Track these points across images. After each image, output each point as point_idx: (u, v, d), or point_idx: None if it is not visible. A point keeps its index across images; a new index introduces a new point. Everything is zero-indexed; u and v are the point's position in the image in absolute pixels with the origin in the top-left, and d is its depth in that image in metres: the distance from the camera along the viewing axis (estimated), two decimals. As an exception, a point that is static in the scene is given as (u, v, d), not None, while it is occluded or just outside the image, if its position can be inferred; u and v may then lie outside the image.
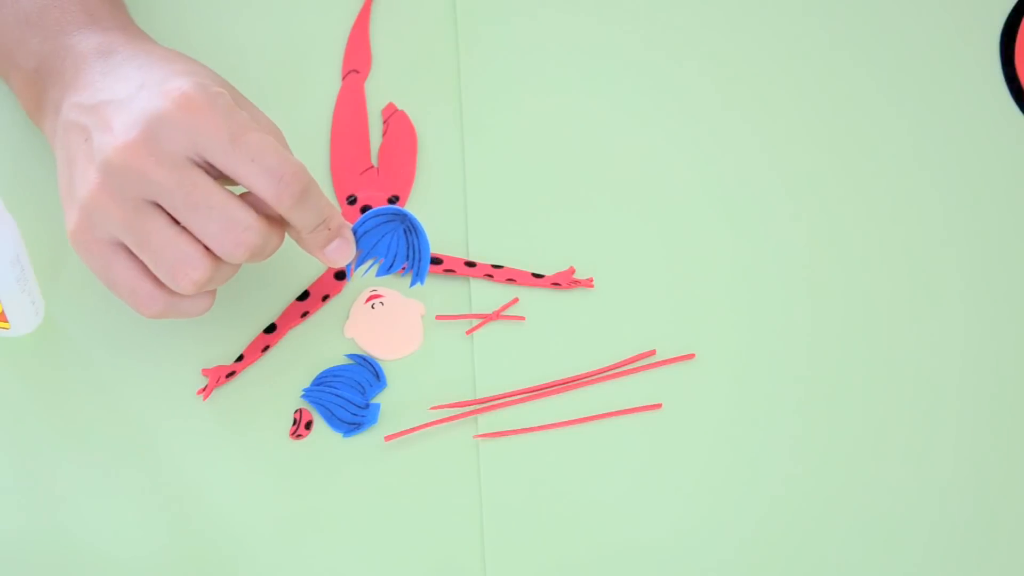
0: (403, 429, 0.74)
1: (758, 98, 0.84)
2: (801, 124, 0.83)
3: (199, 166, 0.67)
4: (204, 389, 0.74)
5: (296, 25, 0.85)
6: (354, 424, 0.74)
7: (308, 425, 0.74)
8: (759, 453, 0.74)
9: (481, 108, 0.83)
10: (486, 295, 0.77)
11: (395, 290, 0.77)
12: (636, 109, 0.83)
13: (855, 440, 0.74)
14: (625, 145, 0.82)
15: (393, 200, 0.80)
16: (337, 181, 0.80)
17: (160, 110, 0.67)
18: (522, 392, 0.75)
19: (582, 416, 0.75)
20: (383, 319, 0.77)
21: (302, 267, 0.76)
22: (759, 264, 0.79)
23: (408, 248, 0.73)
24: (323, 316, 0.77)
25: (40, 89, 0.74)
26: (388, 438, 0.73)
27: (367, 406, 0.74)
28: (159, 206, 0.67)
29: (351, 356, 0.76)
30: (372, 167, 0.81)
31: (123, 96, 0.68)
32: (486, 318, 0.77)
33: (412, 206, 0.80)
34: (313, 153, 0.81)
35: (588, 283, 0.78)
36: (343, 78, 0.84)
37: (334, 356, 0.76)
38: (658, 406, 0.75)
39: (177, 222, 0.68)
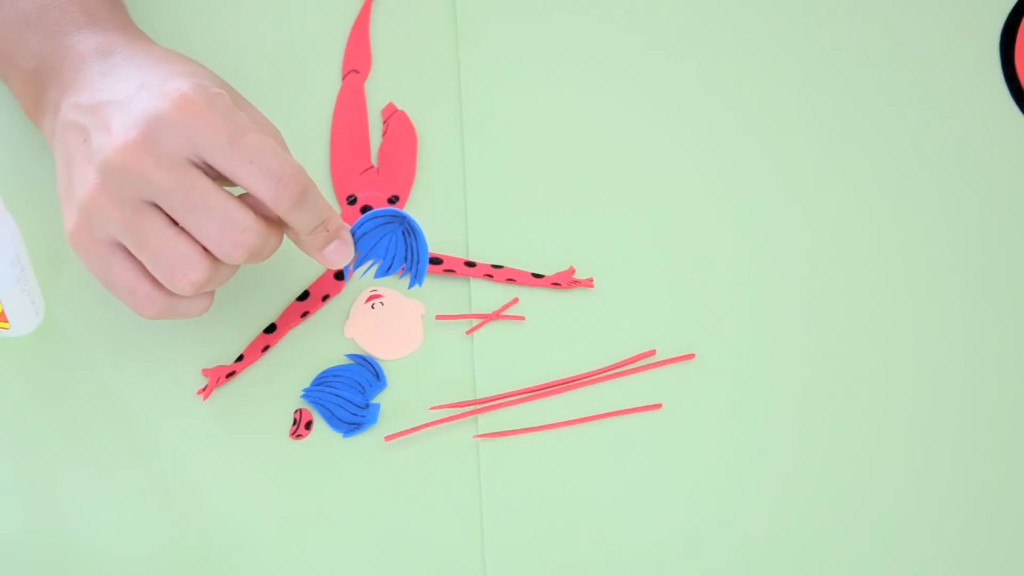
0: (403, 429, 0.74)
1: (758, 98, 0.84)
2: (801, 124, 0.83)
3: (198, 167, 0.67)
4: (204, 389, 0.74)
5: (296, 25, 0.85)
6: (354, 424, 0.74)
7: (308, 425, 0.74)
8: (759, 453, 0.74)
9: (481, 108, 0.83)
10: (486, 295, 0.77)
11: (395, 290, 0.77)
12: (636, 109, 0.83)
13: (855, 440, 0.74)
14: (625, 145, 0.82)
15: (393, 200, 0.80)
16: (337, 181, 0.80)
17: (159, 111, 0.67)
18: (522, 392, 0.75)
19: (582, 416, 0.75)
20: (383, 319, 0.77)
21: (302, 267, 0.76)
22: (759, 264, 0.79)
23: (407, 250, 0.73)
24: (323, 316, 0.77)
25: (39, 89, 0.74)
26: (388, 438, 0.73)
27: (367, 406, 0.74)
28: (158, 207, 0.67)
29: (351, 356, 0.76)
30: (372, 167, 0.81)
31: (122, 97, 0.68)
32: (486, 318, 0.77)
33: (412, 206, 0.80)
34: (313, 153, 0.81)
35: (588, 283, 0.78)
36: (343, 78, 0.84)
37: (334, 356, 0.76)
38: (658, 406, 0.75)
39: (176, 223, 0.68)
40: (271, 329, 0.76)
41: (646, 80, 0.84)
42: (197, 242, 0.68)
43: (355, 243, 0.72)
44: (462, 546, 0.71)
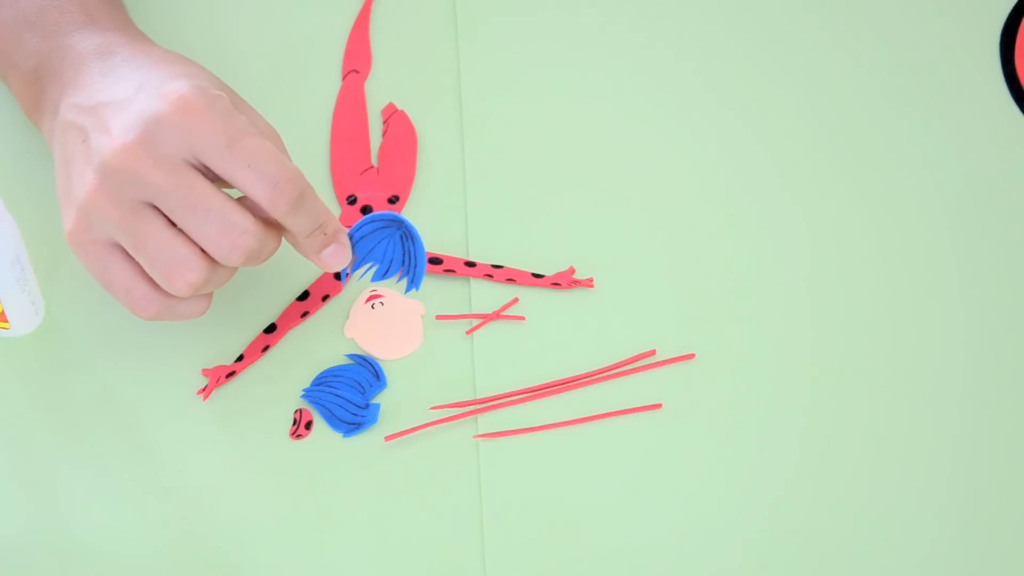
0: (403, 429, 0.74)
1: (758, 98, 0.84)
2: (801, 124, 0.83)
3: (196, 169, 0.67)
4: (204, 389, 0.74)
5: (296, 25, 0.85)
6: (354, 424, 0.74)
7: (308, 425, 0.74)
8: (759, 453, 0.74)
9: (481, 108, 0.83)
10: (486, 295, 0.77)
11: (395, 290, 0.77)
12: (636, 109, 0.83)
13: (856, 440, 0.74)
14: (625, 145, 0.82)
15: (393, 200, 0.80)
16: (337, 181, 0.80)
17: (158, 112, 0.67)
18: (522, 392, 0.75)
19: (582, 416, 0.75)
20: (383, 319, 0.77)
21: (302, 268, 0.76)
22: (759, 264, 0.79)
23: (404, 255, 0.73)
24: (323, 316, 0.77)
25: (38, 89, 0.74)
26: (388, 438, 0.73)
27: (367, 406, 0.74)
28: (156, 208, 0.67)
29: (351, 356, 0.76)
30: (372, 167, 0.81)
31: (121, 98, 0.68)
32: (486, 318, 0.77)
33: (412, 206, 0.80)
34: (313, 153, 0.81)
35: (588, 283, 0.78)
36: (343, 78, 0.84)
37: (334, 356, 0.76)
38: (658, 406, 0.75)
39: (174, 224, 0.68)
40: (271, 329, 0.76)
41: (646, 80, 0.84)
42: (195, 244, 0.68)
43: (353, 246, 0.72)
44: (462, 546, 0.71)
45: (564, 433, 0.74)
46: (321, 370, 0.75)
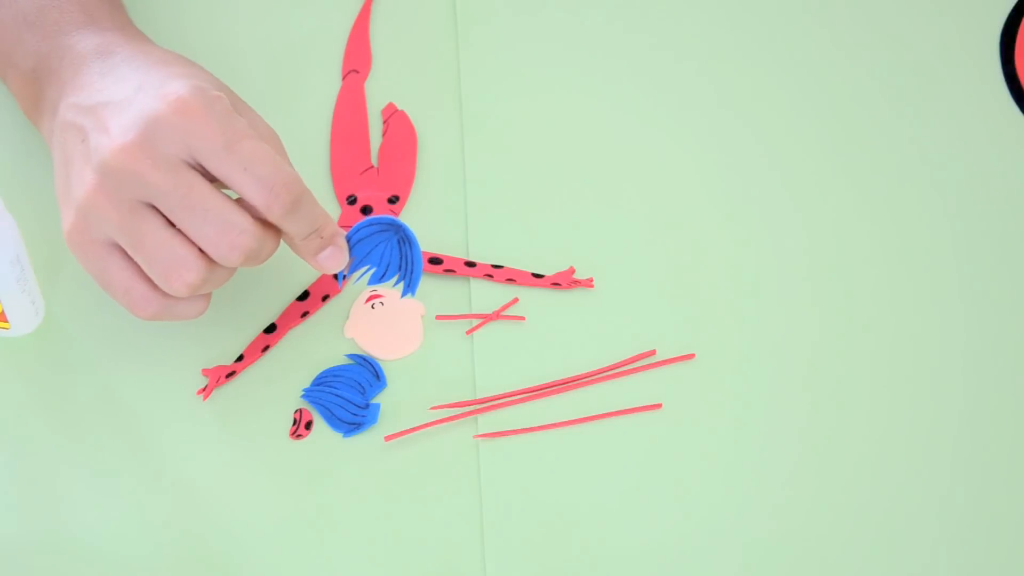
0: (403, 429, 0.74)
1: (758, 98, 0.84)
2: (801, 124, 0.83)
3: (195, 169, 0.67)
4: (204, 389, 0.74)
5: (296, 25, 0.85)
6: (354, 424, 0.74)
7: (308, 425, 0.74)
8: (759, 453, 0.74)
9: (481, 108, 0.83)
10: (486, 295, 0.77)
11: (395, 290, 0.77)
12: (636, 109, 0.83)
13: (857, 440, 0.74)
14: (625, 145, 0.82)
15: (393, 200, 0.80)
16: (337, 181, 0.80)
17: (157, 113, 0.67)
18: (522, 392, 0.75)
19: (582, 416, 0.75)
20: (383, 319, 0.77)
21: (301, 267, 0.76)
22: (759, 264, 0.79)
23: (401, 259, 0.73)
24: (323, 316, 0.77)
25: (38, 89, 0.74)
26: (388, 438, 0.73)
27: (367, 406, 0.74)
28: (155, 208, 0.67)
29: (351, 356, 0.76)
30: (372, 167, 0.81)
31: (120, 98, 0.68)
32: (486, 318, 0.77)
33: (412, 206, 0.80)
34: (313, 153, 0.81)
35: (588, 283, 0.78)
36: (343, 78, 0.84)
37: (334, 356, 0.76)
38: (658, 406, 0.75)
39: (172, 224, 0.68)
40: (271, 329, 0.76)
41: (646, 80, 0.84)
42: (193, 244, 0.68)
43: (350, 249, 0.72)
44: (462, 546, 0.71)
45: (564, 433, 0.74)
46: (321, 370, 0.75)
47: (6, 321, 0.74)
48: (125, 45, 0.72)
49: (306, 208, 0.69)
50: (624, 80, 0.84)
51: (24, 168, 0.79)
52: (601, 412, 0.75)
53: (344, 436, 0.74)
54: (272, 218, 0.68)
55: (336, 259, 0.71)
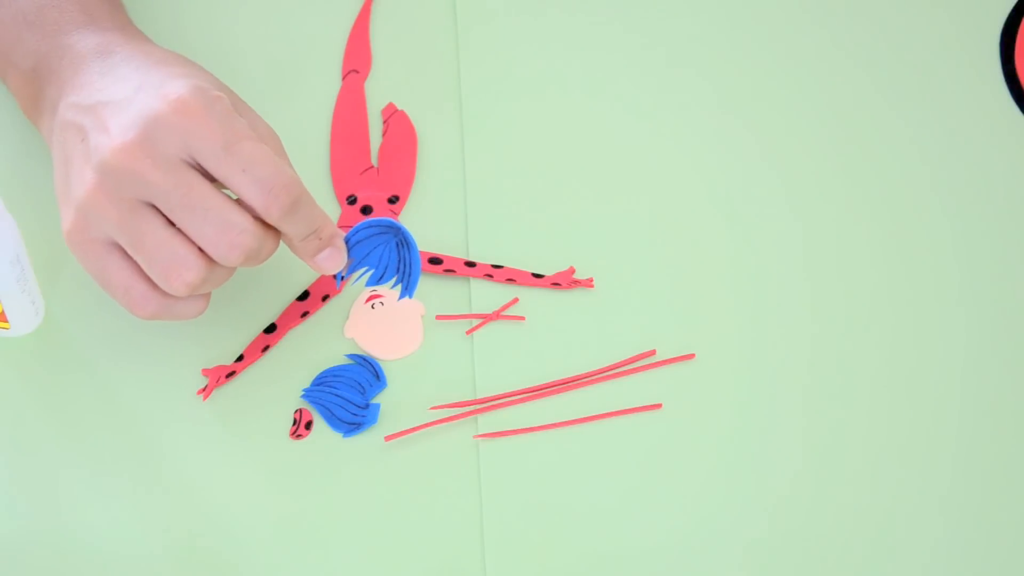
0: (403, 429, 0.74)
1: (758, 98, 0.84)
2: (801, 124, 0.83)
3: (195, 169, 0.67)
4: (204, 389, 0.74)
5: (296, 25, 0.85)
6: (354, 424, 0.74)
7: (308, 425, 0.74)
8: (759, 453, 0.74)
9: (481, 108, 0.83)
10: (486, 295, 0.77)
11: (395, 290, 0.77)
12: (636, 109, 0.83)
13: (856, 439, 0.74)
14: (625, 145, 0.82)
15: (393, 200, 0.80)
16: (337, 181, 0.80)
17: (157, 112, 0.67)
18: (522, 392, 0.75)
19: (582, 416, 0.75)
20: (383, 319, 0.77)
21: (301, 267, 0.76)
22: (759, 264, 0.79)
23: (399, 261, 0.73)
24: (323, 316, 0.77)
25: (37, 88, 0.74)
26: (388, 438, 0.73)
27: (367, 406, 0.74)
28: (155, 207, 0.67)
29: (351, 356, 0.76)
30: (372, 167, 0.81)
31: (120, 97, 0.68)
32: (486, 318, 0.77)
33: (412, 206, 0.80)
34: (313, 153, 0.81)
35: (588, 283, 0.78)
36: (343, 78, 0.84)
37: (334, 356, 0.76)
38: (658, 406, 0.75)
39: (172, 224, 0.68)
40: (271, 329, 0.76)
41: (646, 80, 0.84)
42: (193, 243, 0.68)
43: (349, 250, 0.72)
44: (462, 546, 0.71)
45: (564, 433, 0.74)
46: (321, 370, 0.75)
47: (6, 321, 0.74)
48: (125, 45, 0.72)
49: (305, 209, 0.69)
50: (624, 80, 0.84)
51: (24, 168, 0.79)
52: (601, 412, 0.75)
53: (344, 436, 0.74)
54: (271, 219, 0.68)
55: (334, 260, 0.71)
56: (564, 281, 0.78)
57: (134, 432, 0.74)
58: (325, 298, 0.77)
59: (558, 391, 0.75)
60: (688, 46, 0.86)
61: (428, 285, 0.77)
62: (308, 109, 0.82)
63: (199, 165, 0.67)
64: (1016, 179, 0.82)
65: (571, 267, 0.78)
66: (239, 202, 0.68)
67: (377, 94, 0.83)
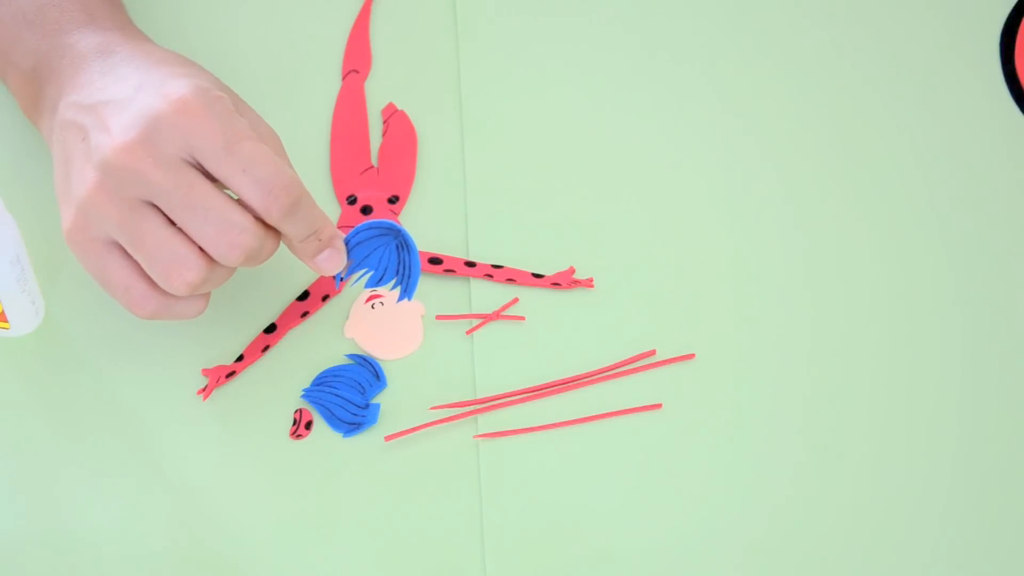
0: (403, 429, 0.74)
1: (758, 98, 0.84)
2: (801, 124, 0.83)
3: (195, 168, 0.67)
4: (204, 389, 0.74)
5: (296, 25, 0.85)
6: (354, 424, 0.74)
7: (308, 425, 0.74)
8: (759, 453, 0.74)
9: (481, 108, 0.83)
10: (486, 295, 0.77)
11: (395, 291, 0.77)
12: (636, 109, 0.83)
13: (856, 439, 0.74)
14: (625, 145, 0.82)
15: (393, 200, 0.80)
16: (337, 181, 0.80)
17: (158, 111, 0.67)
18: (522, 392, 0.75)
19: (582, 416, 0.75)
20: (383, 319, 0.77)
21: (301, 267, 0.76)
22: (759, 264, 0.79)
23: (399, 264, 0.73)
24: (323, 316, 0.77)
25: (37, 88, 0.74)
26: (388, 438, 0.73)
27: (367, 406, 0.74)
28: (155, 207, 0.67)
29: (351, 356, 0.76)
30: (372, 167, 0.81)
31: (121, 97, 0.68)
32: (486, 318, 0.77)
33: (412, 206, 0.80)
34: (313, 153, 0.81)
35: (588, 283, 0.78)
36: (343, 78, 0.84)
37: (334, 356, 0.76)
38: (658, 406, 0.75)
39: (173, 223, 0.68)
40: (271, 329, 0.76)
41: (646, 80, 0.84)
42: (194, 242, 0.68)
43: (348, 252, 0.72)
44: (462, 546, 0.71)
45: (564, 433, 0.74)
46: (321, 370, 0.75)
47: (6, 321, 0.74)
48: (126, 44, 0.72)
49: (305, 210, 0.69)
50: (624, 80, 0.84)
51: (24, 168, 0.79)
52: (601, 412, 0.75)
53: (344, 436, 0.74)
54: (271, 220, 0.68)
55: (334, 261, 0.71)
56: (564, 281, 0.78)
57: (134, 432, 0.74)
58: (325, 298, 0.77)
59: (558, 391, 0.75)
60: (688, 46, 0.85)
61: (428, 285, 0.77)
62: (308, 109, 0.82)
63: (200, 165, 0.67)
64: (1016, 179, 0.82)
65: (571, 267, 0.78)
66: (239, 202, 0.68)
67: (377, 94, 0.83)
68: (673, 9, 0.87)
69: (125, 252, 0.69)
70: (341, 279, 0.73)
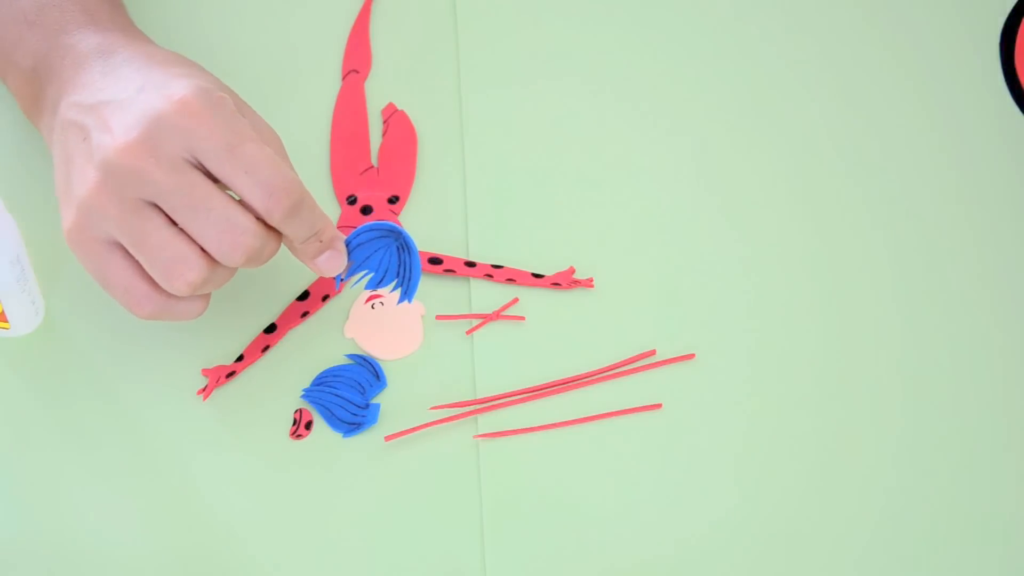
0: (403, 429, 0.74)
1: (759, 98, 0.84)
2: (801, 124, 0.83)
3: (197, 169, 0.67)
4: (204, 389, 0.74)
5: (296, 25, 0.85)
6: (354, 424, 0.74)
7: (308, 425, 0.74)
8: (759, 453, 0.74)
9: (481, 108, 0.83)
10: (486, 295, 0.77)
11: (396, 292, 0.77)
12: (637, 109, 0.83)
13: (856, 439, 0.74)
14: (625, 145, 0.82)
15: (393, 200, 0.80)
16: (337, 181, 0.80)
17: (160, 112, 0.67)
18: (522, 392, 0.75)
19: (582, 416, 0.75)
20: (383, 319, 0.77)
21: (302, 267, 0.76)
22: (759, 264, 0.79)
23: (400, 266, 0.73)
24: (323, 316, 0.77)
25: (37, 88, 0.74)
26: (388, 438, 0.73)
27: (367, 406, 0.74)
28: (157, 207, 0.67)
29: (351, 356, 0.76)
30: (372, 167, 0.81)
31: (123, 97, 0.68)
32: (486, 318, 0.77)
33: (412, 206, 0.80)
34: (313, 153, 0.81)
35: (588, 283, 0.78)
36: (343, 78, 0.84)
37: (334, 356, 0.76)
38: (658, 406, 0.75)
39: (174, 223, 0.68)
40: (271, 329, 0.76)
41: (646, 80, 0.84)
42: (195, 243, 0.68)
43: (349, 253, 0.72)
44: (462, 546, 0.71)
45: (564, 433, 0.74)
46: (321, 370, 0.75)
47: (6, 321, 0.74)
48: (127, 45, 0.72)
49: (306, 212, 0.69)
50: (624, 80, 0.84)
51: (24, 168, 0.79)
52: (601, 412, 0.75)
53: (344, 436, 0.74)
54: (272, 221, 0.68)
55: (334, 263, 0.71)
56: (564, 281, 0.78)
57: (134, 432, 0.74)
58: (325, 298, 0.77)
59: (558, 391, 0.75)
60: (689, 47, 0.85)
61: (428, 285, 0.77)
62: (308, 109, 0.82)
63: (201, 165, 0.67)
64: (1016, 179, 0.82)
65: (571, 267, 0.78)
66: (241, 203, 0.68)
67: (377, 94, 0.83)
68: (674, 9, 0.86)
69: (126, 252, 0.69)
70: (341, 281, 0.73)
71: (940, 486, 0.73)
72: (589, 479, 0.73)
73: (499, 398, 0.75)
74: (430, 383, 0.75)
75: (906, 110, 0.84)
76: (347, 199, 0.80)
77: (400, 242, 0.73)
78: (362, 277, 0.74)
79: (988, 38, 0.86)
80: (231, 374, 0.75)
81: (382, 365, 0.75)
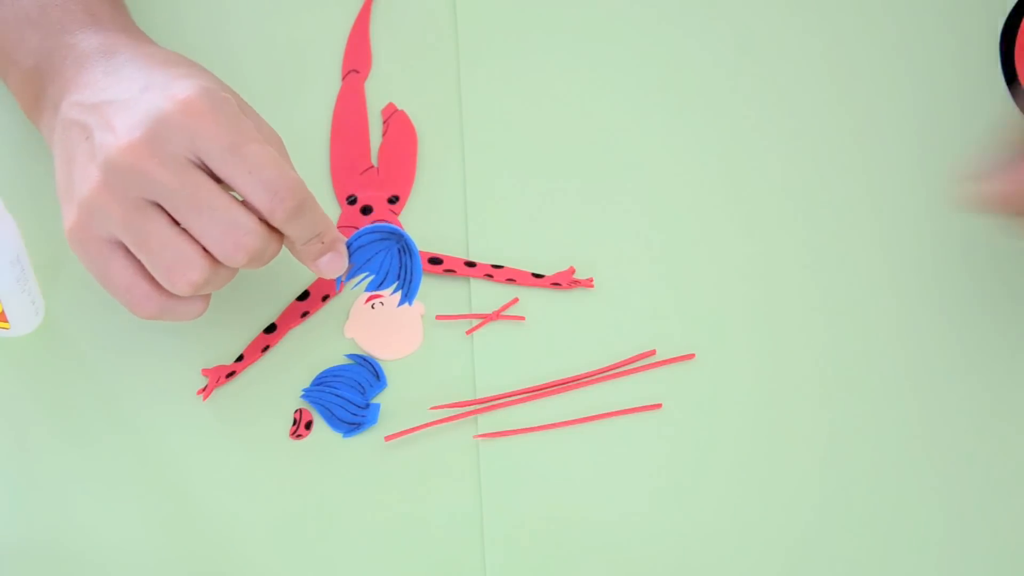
0: (403, 429, 0.74)
1: (759, 98, 0.84)
2: (801, 124, 0.83)
3: (200, 169, 0.67)
4: (204, 389, 0.74)
5: (296, 25, 0.85)
6: (354, 424, 0.74)
7: (308, 425, 0.74)
8: (759, 453, 0.74)
9: (481, 108, 0.83)
10: (486, 295, 0.77)
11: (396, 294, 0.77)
12: (637, 109, 0.83)
13: (856, 439, 0.74)
14: (625, 145, 0.82)
15: (393, 200, 0.80)
16: (337, 181, 0.80)
17: (164, 112, 0.67)
18: (522, 392, 0.75)
19: (582, 416, 0.75)
20: (383, 319, 0.77)
21: (302, 268, 0.76)
22: (759, 264, 0.79)
23: (400, 268, 0.73)
24: (323, 316, 0.77)
25: (38, 87, 0.74)
26: (388, 438, 0.73)
27: (367, 406, 0.74)
28: (159, 207, 0.67)
29: (351, 356, 0.76)
30: (372, 167, 0.81)
31: (125, 97, 0.68)
32: (486, 318, 0.77)
33: (412, 206, 0.80)
34: (313, 153, 0.81)
35: (588, 283, 0.78)
36: (343, 78, 0.84)
37: (334, 356, 0.76)
38: (658, 406, 0.75)
39: (177, 223, 0.68)
40: (271, 329, 0.76)
41: (647, 80, 0.84)
42: (198, 243, 0.68)
43: (350, 255, 0.72)
44: (462, 546, 0.71)
45: (564, 433, 0.74)
46: (321, 370, 0.75)
47: (6, 321, 0.74)
48: (129, 45, 0.72)
49: (308, 213, 0.69)
50: (625, 80, 0.84)
51: (24, 168, 0.79)
52: (601, 412, 0.75)
53: (344, 436, 0.74)
54: (274, 222, 0.68)
55: (335, 264, 0.71)
56: (564, 281, 0.78)
57: (134, 432, 0.74)
58: (325, 298, 0.77)
59: (558, 391, 0.75)
60: (689, 47, 0.85)
61: (428, 285, 0.77)
62: (308, 109, 0.82)
63: (204, 166, 0.67)
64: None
65: (571, 267, 0.78)
66: (244, 204, 0.68)
67: (377, 94, 0.83)
68: (674, 9, 0.86)
69: (127, 252, 0.69)
70: (342, 282, 0.73)
71: (940, 486, 0.74)
72: (589, 479, 0.73)
73: (499, 398, 0.75)
74: (430, 383, 0.75)
75: (906, 110, 0.84)
76: (347, 199, 0.80)
77: (401, 244, 0.73)
78: (363, 279, 0.74)
79: (988, 38, 0.86)
80: (231, 374, 0.75)
81: (382, 365, 0.75)
